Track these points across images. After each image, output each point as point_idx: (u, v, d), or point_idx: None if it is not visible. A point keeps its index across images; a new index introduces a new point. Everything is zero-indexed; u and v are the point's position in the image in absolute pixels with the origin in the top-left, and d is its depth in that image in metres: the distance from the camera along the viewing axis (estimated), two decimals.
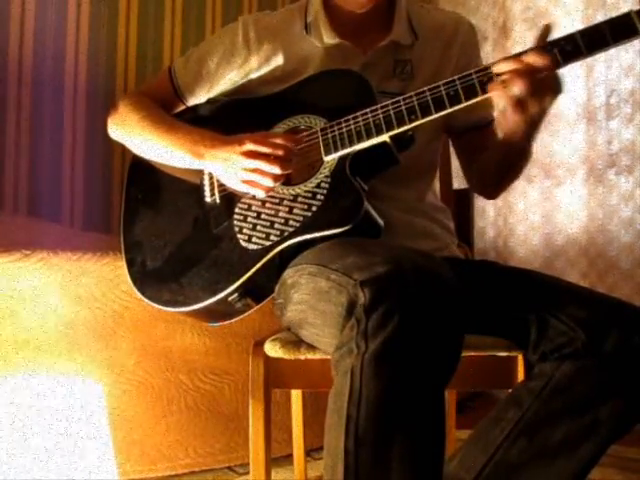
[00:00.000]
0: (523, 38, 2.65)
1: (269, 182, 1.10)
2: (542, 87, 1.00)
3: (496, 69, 1.01)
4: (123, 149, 2.42)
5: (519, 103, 1.00)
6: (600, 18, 2.38)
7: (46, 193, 2.25)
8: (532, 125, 1.07)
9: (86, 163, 2.34)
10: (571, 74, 2.49)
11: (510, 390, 1.02)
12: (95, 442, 1.54)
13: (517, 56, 1.01)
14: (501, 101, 1.02)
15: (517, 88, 0.98)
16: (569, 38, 1.00)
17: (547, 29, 1.02)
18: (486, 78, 1.03)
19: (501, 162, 1.23)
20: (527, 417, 0.95)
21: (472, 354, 1.05)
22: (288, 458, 1.62)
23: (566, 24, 2.50)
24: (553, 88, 1.01)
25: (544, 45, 1.01)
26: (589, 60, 2.42)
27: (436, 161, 1.34)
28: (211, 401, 1.69)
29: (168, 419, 1.63)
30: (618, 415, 0.93)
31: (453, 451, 1.02)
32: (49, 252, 1.49)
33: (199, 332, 1.66)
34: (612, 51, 2.42)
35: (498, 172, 1.28)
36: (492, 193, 1.38)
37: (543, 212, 2.59)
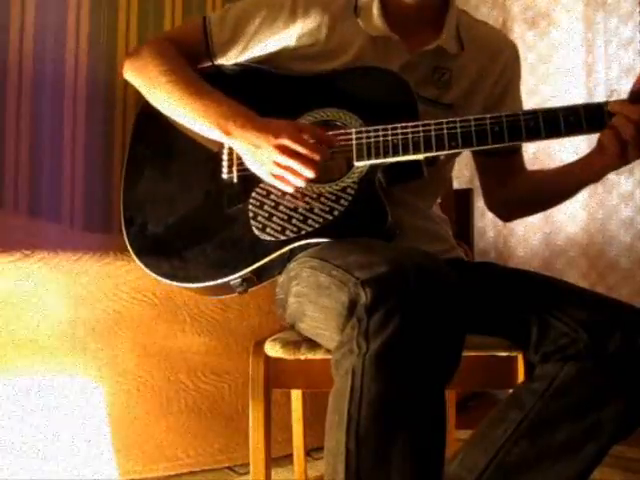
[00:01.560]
0: (523, 38, 2.65)
1: (300, 182, 1.08)
2: None
3: (611, 108, 1.01)
4: (123, 149, 2.43)
5: (624, 149, 1.01)
6: (600, 19, 2.38)
7: (46, 193, 2.25)
8: (617, 168, 1.08)
9: (86, 163, 2.34)
10: (571, 74, 2.49)
11: (511, 390, 1.03)
12: (95, 442, 1.54)
13: (631, 102, 1.00)
14: (610, 144, 1.01)
15: (630, 136, 0.99)
16: None
17: None
18: (533, 123, 1.02)
19: (547, 194, 1.26)
20: (529, 418, 0.95)
21: (472, 354, 1.05)
22: (288, 458, 1.62)
23: (566, 24, 2.50)
24: None
25: None
26: (589, 60, 2.42)
27: (450, 175, 1.35)
28: (211, 401, 1.68)
29: (168, 419, 1.63)
30: (620, 417, 0.93)
31: (454, 451, 1.02)
32: (49, 252, 1.48)
33: (199, 332, 1.66)
34: (612, 51, 2.43)
35: (536, 202, 1.30)
36: (513, 217, 1.42)
37: (543, 212, 2.59)
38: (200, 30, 1.23)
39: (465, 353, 1.03)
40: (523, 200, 1.31)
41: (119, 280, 1.54)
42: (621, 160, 1.03)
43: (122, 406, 1.57)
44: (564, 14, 2.53)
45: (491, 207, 1.39)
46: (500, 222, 2.71)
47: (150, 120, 1.24)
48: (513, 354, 1.06)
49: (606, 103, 1.01)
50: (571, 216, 2.52)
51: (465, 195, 2.46)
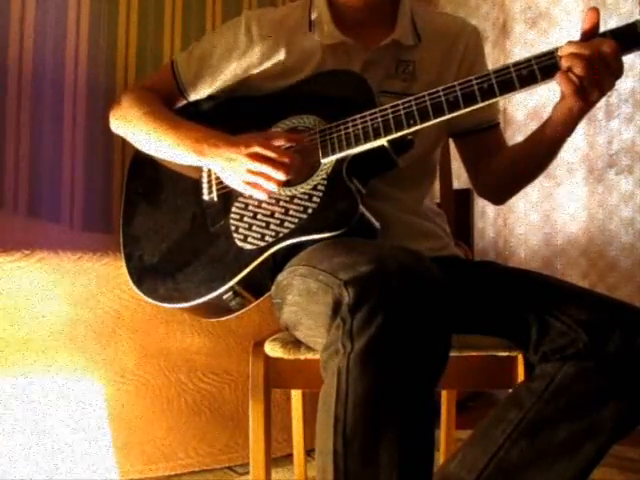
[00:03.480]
0: (523, 38, 2.65)
1: (272, 187, 1.11)
2: (606, 72, 0.98)
3: (561, 52, 0.99)
4: (123, 149, 2.43)
5: (582, 89, 0.98)
6: (600, 18, 2.37)
7: (46, 193, 2.24)
8: (583, 114, 1.05)
9: (86, 163, 2.34)
10: None
11: (510, 390, 1.02)
12: (95, 442, 1.54)
13: (582, 41, 0.99)
14: (565, 86, 0.99)
15: (582, 72, 0.97)
16: (631, 27, 0.99)
17: (596, 14, 1.01)
18: (486, 85, 1.02)
19: (526, 162, 1.23)
20: (528, 418, 0.95)
21: (472, 354, 1.05)
22: (288, 458, 1.62)
23: (566, 24, 2.49)
24: (615, 74, 0.99)
25: (608, 32, 1.00)
26: None
27: (436, 165, 1.35)
28: (211, 401, 1.68)
29: (168, 419, 1.63)
30: (620, 416, 0.93)
31: (453, 451, 1.01)
32: (49, 252, 1.49)
33: (199, 332, 1.66)
34: None
35: (518, 174, 1.27)
36: (502, 198, 1.38)
37: (543, 212, 2.59)
38: (169, 72, 1.31)
39: (465, 353, 1.04)
40: (508, 176, 1.29)
41: (119, 280, 1.54)
42: (583, 101, 1.01)
43: (122, 406, 1.57)
44: (564, 14, 2.53)
45: (480, 191, 1.38)
46: (500, 222, 2.72)
47: (142, 162, 1.31)
48: (513, 354, 1.06)
49: (557, 49, 1.00)
50: (571, 216, 2.52)
51: (465, 195, 2.46)
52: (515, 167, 1.26)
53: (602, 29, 1.02)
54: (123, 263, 1.24)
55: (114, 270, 1.54)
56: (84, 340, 1.53)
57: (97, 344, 1.54)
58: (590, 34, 1.00)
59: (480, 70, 1.26)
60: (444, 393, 1.51)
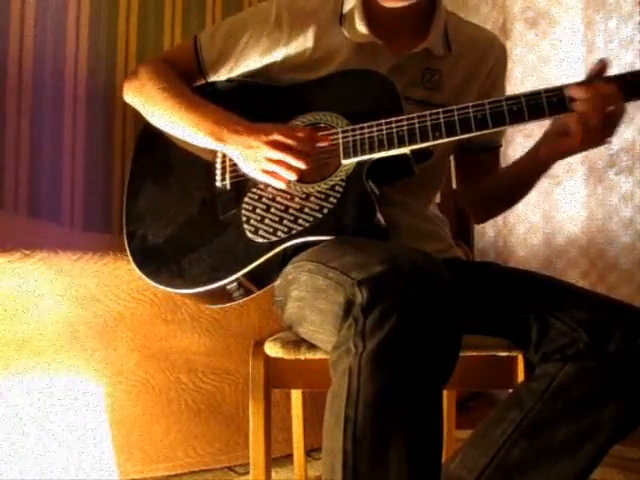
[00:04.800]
0: (523, 38, 2.65)
1: (292, 176, 1.09)
2: (612, 119, 1.02)
3: (572, 92, 1.02)
4: (123, 149, 2.43)
5: (589, 131, 1.02)
6: (600, 18, 2.38)
7: (46, 193, 2.25)
8: (582, 151, 1.10)
9: (86, 163, 2.34)
10: (571, 74, 2.49)
11: (511, 390, 1.03)
12: (95, 442, 1.54)
13: (589, 84, 1.01)
14: (573, 125, 1.02)
15: (593, 118, 1.00)
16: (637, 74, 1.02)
17: (604, 65, 1.03)
18: (516, 107, 1.03)
19: (510, 188, 1.27)
20: (529, 418, 0.95)
21: (472, 354, 1.05)
22: (288, 458, 1.62)
23: (566, 24, 2.49)
24: (618, 122, 1.04)
25: (615, 77, 1.02)
26: (589, 60, 2.42)
27: (444, 174, 1.35)
28: (211, 401, 1.68)
29: (168, 419, 1.63)
30: (620, 417, 0.94)
31: (454, 451, 1.01)
32: (49, 252, 1.48)
33: (199, 332, 1.66)
34: (612, 51, 2.43)
35: (502, 198, 1.31)
36: (486, 217, 1.42)
37: (543, 212, 2.59)
38: (191, 49, 1.27)
39: (465, 353, 1.04)
40: (490, 197, 1.33)
41: (119, 280, 1.54)
42: (589, 145, 1.06)
43: (122, 406, 1.57)
44: (564, 14, 2.52)
45: (467, 207, 1.41)
46: (500, 222, 2.72)
47: (150, 139, 1.28)
48: (513, 354, 1.06)
49: (565, 86, 1.03)
50: (571, 216, 2.52)
51: None
52: (499, 192, 1.31)
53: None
54: (125, 242, 1.22)
55: (114, 270, 1.53)
56: (84, 340, 1.53)
57: (97, 344, 1.54)
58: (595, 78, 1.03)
59: (500, 88, 1.29)
60: (444, 393, 1.51)
